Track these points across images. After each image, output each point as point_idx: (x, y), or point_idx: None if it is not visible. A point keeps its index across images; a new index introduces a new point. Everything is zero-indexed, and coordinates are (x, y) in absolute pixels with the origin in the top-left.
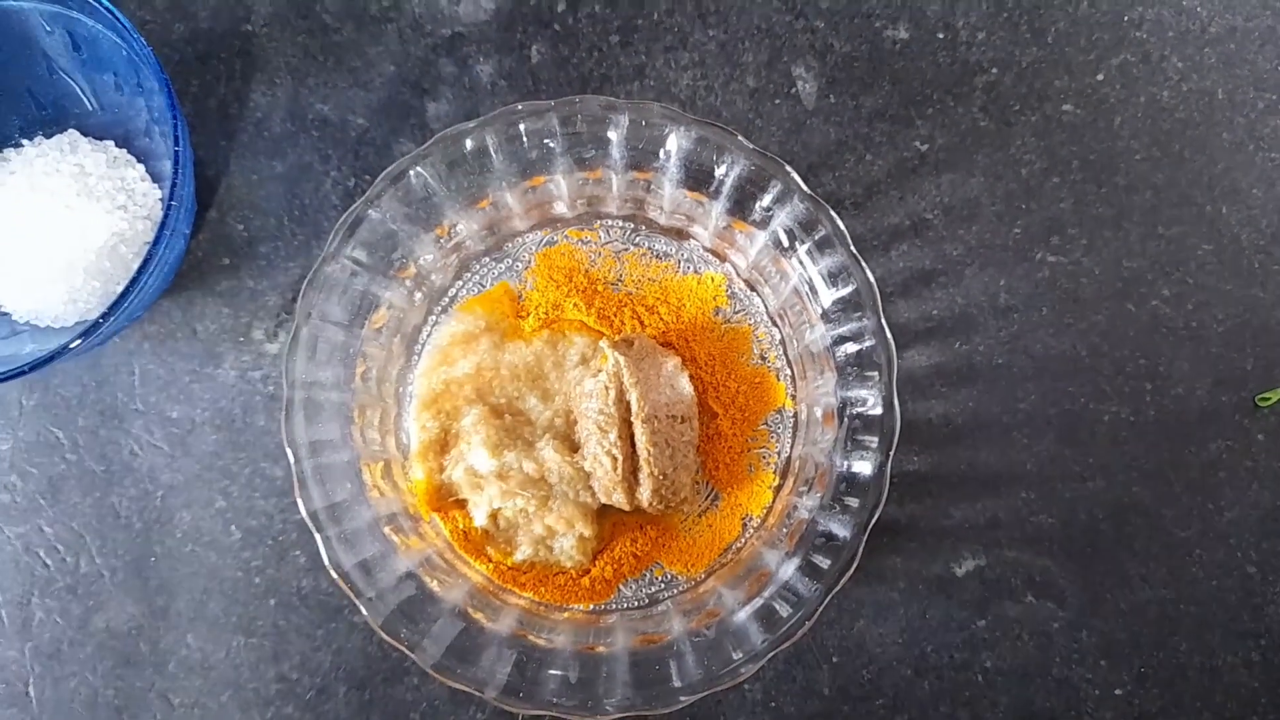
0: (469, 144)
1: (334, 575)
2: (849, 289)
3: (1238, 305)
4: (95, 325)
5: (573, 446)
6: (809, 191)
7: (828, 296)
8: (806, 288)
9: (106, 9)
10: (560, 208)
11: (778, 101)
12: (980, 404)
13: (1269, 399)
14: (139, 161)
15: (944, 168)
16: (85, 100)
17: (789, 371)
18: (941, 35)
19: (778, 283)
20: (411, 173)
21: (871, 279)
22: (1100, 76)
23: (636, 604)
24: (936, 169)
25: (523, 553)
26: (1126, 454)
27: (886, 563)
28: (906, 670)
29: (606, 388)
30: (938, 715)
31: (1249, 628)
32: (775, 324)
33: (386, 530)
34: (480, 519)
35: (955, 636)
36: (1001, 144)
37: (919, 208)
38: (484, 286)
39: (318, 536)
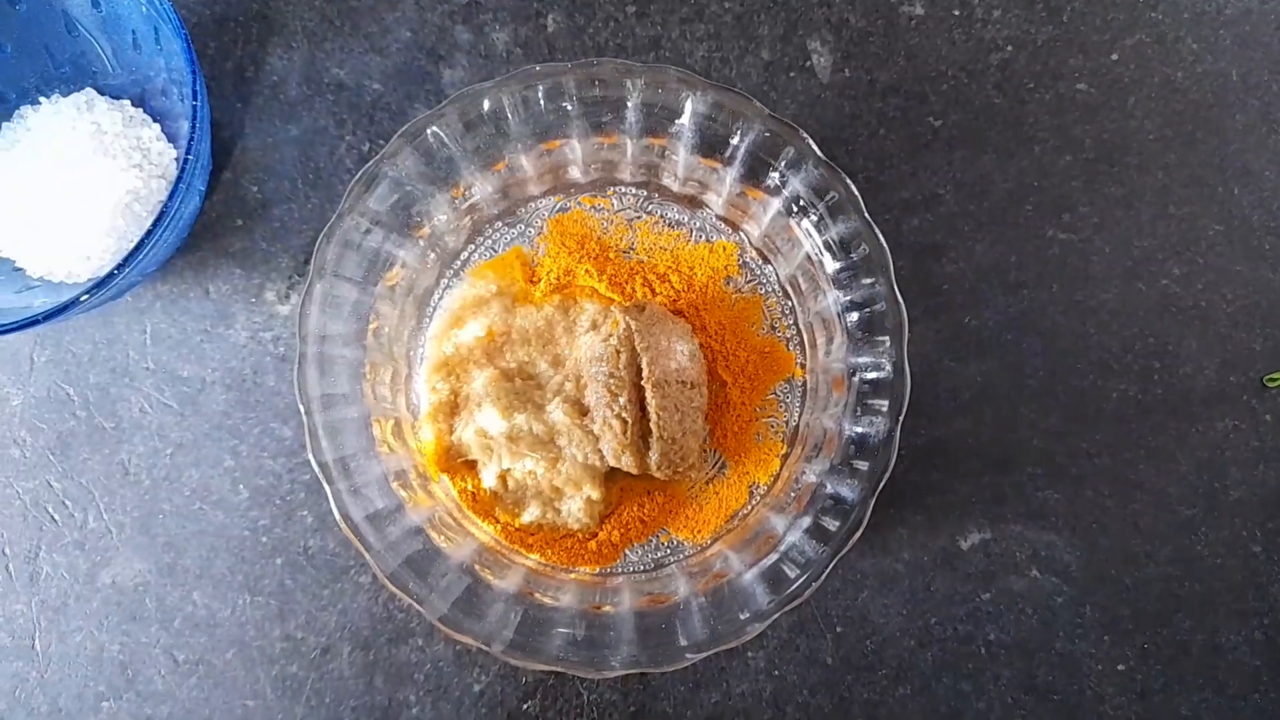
0: (486, 104)
1: (343, 527)
2: (861, 254)
3: (1247, 286)
4: (109, 277)
5: (582, 410)
6: (823, 156)
7: (840, 261)
8: (818, 253)
9: None
10: (574, 173)
11: (792, 75)
12: (988, 379)
13: (1277, 379)
14: (155, 121)
15: (956, 144)
16: (103, 59)
17: (799, 341)
18: (957, 12)
19: (789, 250)
20: (429, 131)
21: (884, 243)
22: (1115, 56)
23: (642, 568)
24: (949, 145)
25: (530, 514)
26: (1133, 431)
27: (892, 534)
28: (910, 641)
29: (618, 351)
30: (940, 687)
31: (1253, 606)
32: (787, 294)
33: (395, 486)
34: (489, 480)
35: (959, 609)
36: (1014, 121)
37: (931, 183)
38: (496, 251)
39: (328, 488)
